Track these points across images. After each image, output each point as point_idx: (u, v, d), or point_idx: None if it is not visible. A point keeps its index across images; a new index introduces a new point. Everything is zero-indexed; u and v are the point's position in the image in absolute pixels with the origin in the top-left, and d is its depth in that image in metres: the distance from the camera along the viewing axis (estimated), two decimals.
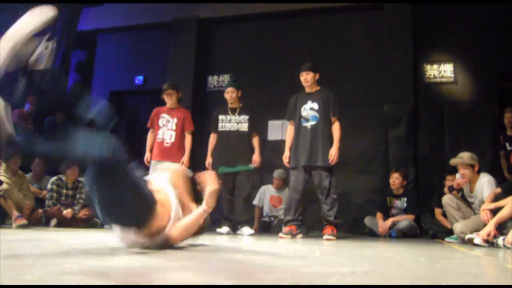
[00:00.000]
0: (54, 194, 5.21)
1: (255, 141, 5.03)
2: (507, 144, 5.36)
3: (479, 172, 4.33)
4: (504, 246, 3.46)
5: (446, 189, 4.62)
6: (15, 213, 4.63)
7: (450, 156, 5.73)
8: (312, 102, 4.54)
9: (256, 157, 4.96)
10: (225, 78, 7.07)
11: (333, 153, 4.35)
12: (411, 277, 1.57)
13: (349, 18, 6.71)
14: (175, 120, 5.05)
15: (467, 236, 3.81)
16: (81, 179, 5.61)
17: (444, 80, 6.22)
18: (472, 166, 4.28)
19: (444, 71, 6.22)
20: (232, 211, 4.95)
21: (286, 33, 6.93)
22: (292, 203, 4.52)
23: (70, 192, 5.34)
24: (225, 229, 4.83)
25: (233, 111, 5.05)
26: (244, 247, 3.07)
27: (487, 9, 6.10)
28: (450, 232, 4.46)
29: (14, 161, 4.89)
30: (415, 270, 1.83)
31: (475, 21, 6.19)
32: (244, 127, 4.99)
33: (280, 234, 4.47)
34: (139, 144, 7.82)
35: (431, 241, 4.68)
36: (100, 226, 5.44)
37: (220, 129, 5.04)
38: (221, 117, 5.06)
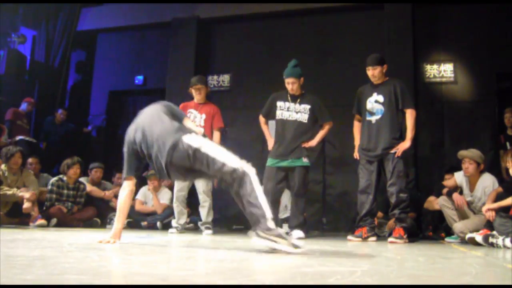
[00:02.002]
0: (54, 195, 5.21)
1: (325, 129, 4.54)
2: (507, 144, 5.36)
3: (481, 172, 4.34)
4: (504, 246, 3.46)
5: (444, 190, 4.60)
6: (35, 213, 4.76)
7: (450, 156, 5.76)
8: (378, 94, 4.25)
9: (311, 142, 4.45)
10: (225, 78, 7.08)
11: (400, 148, 4.07)
12: (411, 277, 1.57)
13: (349, 18, 6.71)
14: (204, 116, 4.77)
15: (468, 236, 3.81)
16: (82, 179, 5.61)
17: (444, 80, 6.22)
18: (478, 164, 4.28)
19: (444, 71, 6.22)
20: (274, 212, 4.58)
21: (286, 33, 6.93)
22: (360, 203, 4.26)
23: (71, 193, 5.33)
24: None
25: (294, 98, 4.49)
26: (244, 246, 3.06)
27: (487, 9, 6.10)
28: (441, 217, 4.55)
29: (14, 161, 4.89)
30: (415, 270, 1.83)
31: (475, 21, 6.18)
32: (304, 117, 4.45)
33: (349, 237, 4.19)
34: None
35: (431, 241, 4.68)
36: (100, 226, 5.45)
37: (277, 117, 4.52)
38: (279, 103, 4.51)
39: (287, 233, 4.39)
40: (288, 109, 4.50)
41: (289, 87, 4.46)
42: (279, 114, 4.52)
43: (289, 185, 4.56)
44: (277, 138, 4.52)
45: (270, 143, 4.59)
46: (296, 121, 4.45)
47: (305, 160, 4.40)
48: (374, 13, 6.48)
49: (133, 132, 2.77)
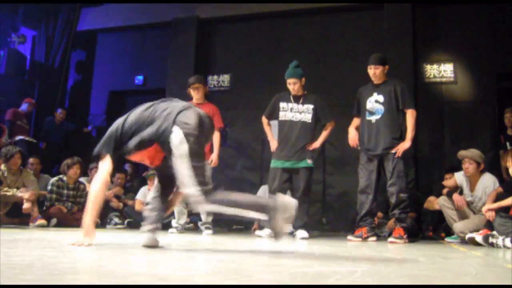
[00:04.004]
0: (54, 195, 5.20)
1: (327, 130, 4.53)
2: (507, 144, 5.36)
3: (482, 172, 4.33)
4: (504, 246, 3.46)
5: (444, 190, 4.60)
6: (35, 213, 4.76)
7: (450, 156, 5.76)
8: (378, 94, 4.25)
9: (314, 144, 4.44)
10: (225, 78, 7.08)
11: (400, 148, 4.08)
12: (411, 277, 1.57)
13: (349, 18, 6.71)
14: None
15: (468, 236, 3.81)
16: (82, 179, 5.61)
17: (444, 80, 6.22)
18: (478, 164, 4.28)
19: (444, 71, 6.22)
20: None
21: (286, 33, 6.93)
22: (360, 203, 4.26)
23: (71, 193, 5.33)
24: (266, 231, 4.37)
25: (297, 99, 4.51)
26: (245, 246, 3.07)
27: (487, 9, 6.10)
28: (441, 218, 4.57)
29: (14, 161, 4.89)
30: (415, 270, 1.83)
31: (475, 21, 6.19)
32: (308, 117, 4.46)
33: (349, 237, 4.17)
34: None
35: (431, 241, 4.68)
36: (100, 226, 5.44)
37: (280, 118, 4.52)
38: (282, 104, 4.52)
39: (291, 233, 4.42)
40: (291, 110, 4.51)
41: (290, 87, 4.49)
42: (283, 115, 4.52)
43: (292, 187, 4.57)
44: (282, 139, 4.51)
45: (273, 144, 4.58)
46: (300, 122, 4.47)
47: (309, 162, 4.40)
48: (374, 13, 6.48)
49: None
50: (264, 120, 4.68)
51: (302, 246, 3.31)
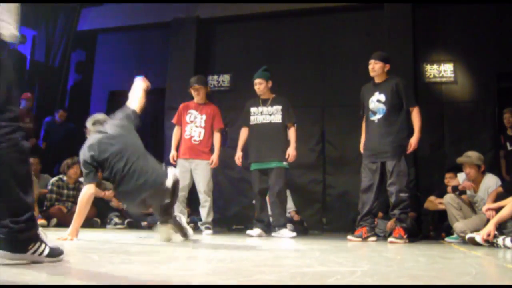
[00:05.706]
0: (54, 195, 5.21)
1: (291, 132, 4.59)
2: (507, 144, 5.36)
3: (483, 173, 4.33)
4: (504, 246, 3.46)
5: (449, 189, 4.59)
6: (35, 213, 4.73)
7: (450, 156, 5.76)
8: (380, 93, 4.23)
9: (291, 151, 4.50)
10: (225, 78, 7.07)
11: (412, 142, 4.10)
12: (411, 277, 1.57)
13: (349, 18, 6.70)
14: (204, 116, 4.82)
15: (468, 236, 3.81)
16: (82, 179, 5.61)
17: (444, 80, 6.22)
18: (478, 166, 4.28)
19: (444, 71, 6.22)
20: (263, 212, 4.60)
21: (286, 33, 6.92)
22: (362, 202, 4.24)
23: (71, 193, 5.33)
24: (256, 231, 4.45)
25: (265, 102, 4.67)
26: (244, 246, 3.07)
27: (487, 9, 6.09)
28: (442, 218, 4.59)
29: None
30: (415, 270, 1.83)
31: (475, 21, 6.18)
32: (277, 118, 4.60)
33: (349, 237, 4.17)
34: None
35: (431, 241, 4.68)
36: (100, 226, 5.45)
37: (252, 122, 4.68)
38: (252, 109, 4.70)
39: (274, 230, 4.47)
40: (261, 113, 4.67)
41: (256, 87, 4.66)
42: (253, 119, 4.68)
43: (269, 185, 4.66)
44: (254, 142, 4.65)
45: (238, 155, 4.72)
46: (271, 123, 4.63)
47: (284, 163, 4.54)
48: (374, 13, 6.47)
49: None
50: (245, 130, 4.78)
51: (302, 246, 3.31)
